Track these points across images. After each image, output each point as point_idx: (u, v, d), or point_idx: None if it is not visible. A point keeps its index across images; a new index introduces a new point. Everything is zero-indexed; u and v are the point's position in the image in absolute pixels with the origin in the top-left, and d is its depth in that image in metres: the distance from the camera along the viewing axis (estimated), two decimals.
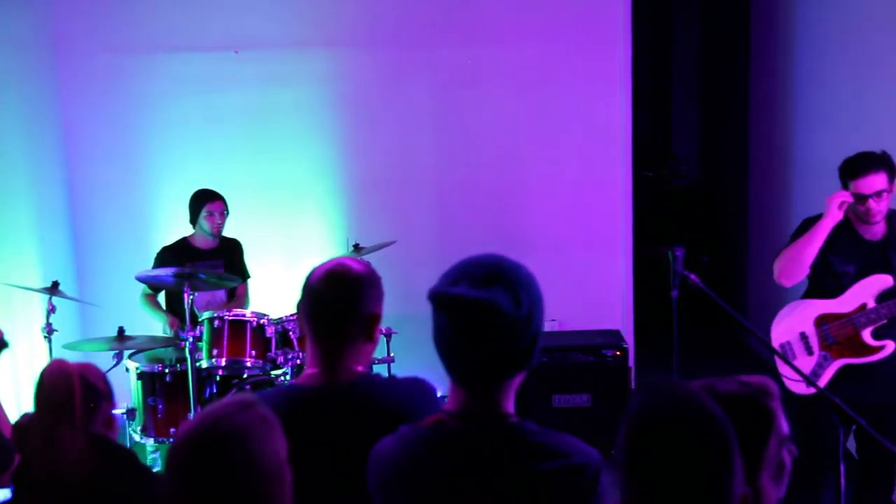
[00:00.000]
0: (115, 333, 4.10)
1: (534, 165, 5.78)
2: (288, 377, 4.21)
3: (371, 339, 2.07)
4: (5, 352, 3.05)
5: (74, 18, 5.55)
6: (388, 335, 4.72)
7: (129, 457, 2.29)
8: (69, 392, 2.15)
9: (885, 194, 3.38)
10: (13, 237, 4.96)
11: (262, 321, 4.24)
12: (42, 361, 3.72)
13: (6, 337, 3.02)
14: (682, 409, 1.34)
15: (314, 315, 2.04)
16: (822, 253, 3.48)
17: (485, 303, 1.54)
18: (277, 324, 4.27)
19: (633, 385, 5.28)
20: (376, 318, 2.06)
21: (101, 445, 2.20)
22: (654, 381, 1.40)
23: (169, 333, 4.65)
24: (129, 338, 4.14)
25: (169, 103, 5.65)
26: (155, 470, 4.51)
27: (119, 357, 4.12)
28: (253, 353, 4.20)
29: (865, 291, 3.43)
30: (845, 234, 3.51)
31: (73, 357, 4.21)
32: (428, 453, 1.63)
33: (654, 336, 5.18)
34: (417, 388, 2.04)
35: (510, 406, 1.65)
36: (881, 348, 3.42)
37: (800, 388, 3.41)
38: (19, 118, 5.12)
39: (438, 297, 1.58)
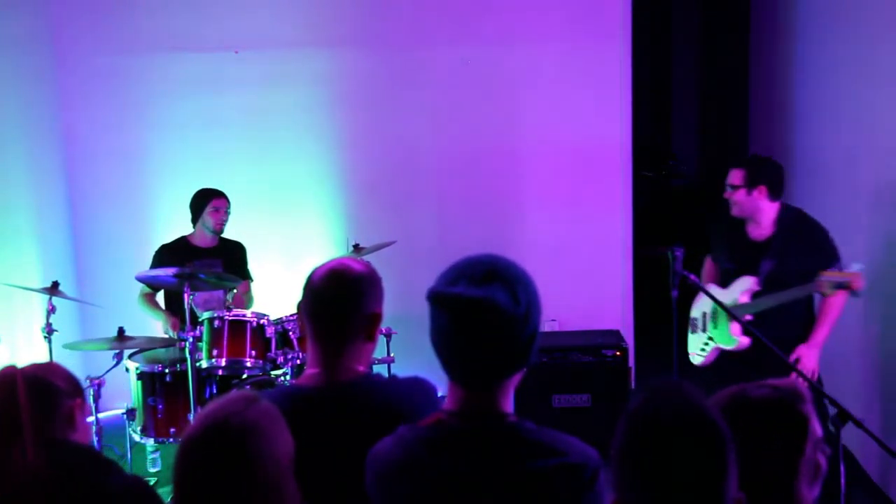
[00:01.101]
0: (115, 333, 4.10)
1: (534, 165, 5.78)
2: (288, 377, 4.21)
3: (372, 339, 2.08)
4: (0, 347, 3.00)
5: (74, 19, 5.55)
6: (388, 335, 4.72)
7: (86, 455, 2.15)
8: (13, 407, 2.01)
9: (738, 189, 3.83)
10: (13, 237, 4.96)
11: (262, 321, 4.24)
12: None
13: None
14: (680, 412, 1.34)
15: (316, 315, 2.04)
16: (719, 249, 4.03)
17: (483, 301, 1.54)
18: (277, 324, 4.27)
19: (633, 385, 5.28)
20: (378, 317, 2.06)
21: (56, 452, 2.07)
22: (657, 383, 1.40)
23: (171, 334, 4.65)
24: (129, 338, 4.14)
25: (169, 104, 5.65)
26: (154, 470, 4.51)
27: (119, 357, 4.12)
28: (253, 353, 4.20)
29: (739, 289, 3.82)
30: (736, 233, 3.94)
31: (72, 357, 4.24)
32: (427, 453, 1.63)
33: (654, 336, 5.18)
34: (418, 388, 2.04)
35: (509, 405, 1.65)
36: (737, 341, 3.84)
37: (698, 360, 4.00)
38: (19, 119, 5.13)
39: (437, 297, 1.59)
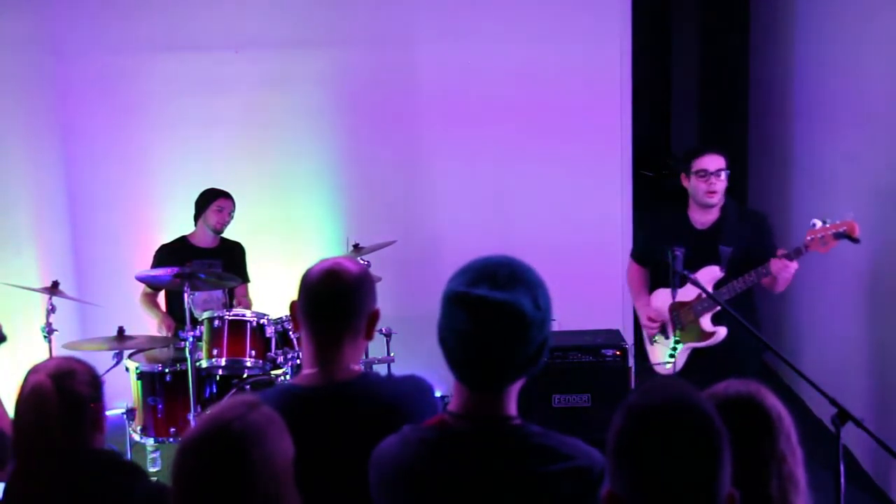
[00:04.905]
0: (115, 333, 4.10)
1: (533, 165, 5.77)
2: (288, 377, 4.21)
3: (371, 337, 2.09)
4: (4, 345, 3.00)
5: (73, 19, 5.54)
6: (388, 335, 4.72)
7: (112, 463, 2.18)
8: (46, 418, 2.04)
9: (723, 174, 3.71)
10: (13, 237, 4.96)
11: (261, 321, 4.25)
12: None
13: (4, 330, 2.96)
14: (675, 406, 1.35)
15: (316, 315, 2.04)
16: (664, 245, 3.56)
17: (508, 305, 1.54)
18: (277, 324, 4.27)
19: (633, 385, 5.28)
20: (377, 314, 2.08)
21: (82, 461, 2.10)
22: (654, 379, 1.42)
23: (163, 334, 4.66)
24: (129, 338, 4.14)
25: (168, 103, 5.65)
26: (154, 469, 4.51)
27: (119, 357, 4.12)
28: (253, 352, 4.20)
29: (703, 279, 3.62)
30: (680, 224, 3.82)
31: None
32: (431, 454, 1.62)
33: None
34: (414, 386, 2.05)
35: (513, 408, 1.65)
36: (714, 333, 3.74)
37: (667, 367, 3.87)
38: (18, 118, 5.12)
39: (459, 298, 1.57)
